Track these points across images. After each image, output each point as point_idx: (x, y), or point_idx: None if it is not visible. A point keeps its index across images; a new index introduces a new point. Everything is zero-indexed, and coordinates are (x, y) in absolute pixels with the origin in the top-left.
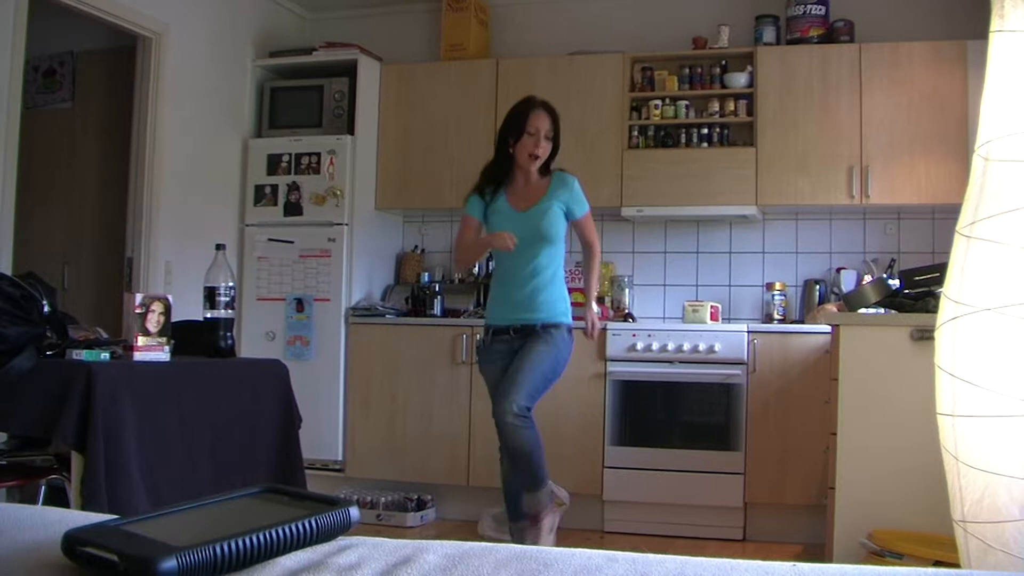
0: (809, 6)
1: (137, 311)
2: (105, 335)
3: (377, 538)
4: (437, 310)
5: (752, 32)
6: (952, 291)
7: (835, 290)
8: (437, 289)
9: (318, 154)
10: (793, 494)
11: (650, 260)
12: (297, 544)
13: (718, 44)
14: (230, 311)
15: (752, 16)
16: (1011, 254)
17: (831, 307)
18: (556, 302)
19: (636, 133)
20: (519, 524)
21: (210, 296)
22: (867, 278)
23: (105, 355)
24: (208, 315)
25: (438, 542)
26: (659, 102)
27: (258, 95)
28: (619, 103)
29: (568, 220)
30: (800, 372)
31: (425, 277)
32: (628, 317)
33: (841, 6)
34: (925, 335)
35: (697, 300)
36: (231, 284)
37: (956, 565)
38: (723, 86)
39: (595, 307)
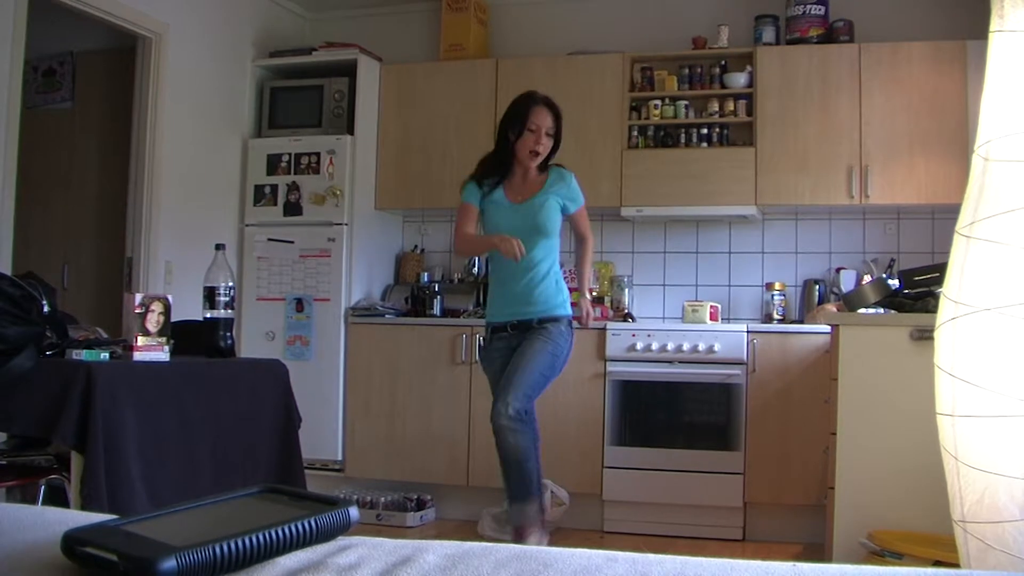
0: (809, 6)
1: (137, 311)
2: (105, 335)
3: (377, 538)
4: (437, 310)
5: (752, 32)
6: (952, 291)
7: (835, 290)
8: (437, 289)
9: (318, 154)
10: (793, 494)
11: (650, 260)
12: (297, 544)
13: (718, 44)
14: (230, 311)
15: (752, 16)
16: (1011, 254)
17: (831, 307)
18: (553, 295)
19: (636, 133)
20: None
21: (210, 296)
22: (867, 278)
23: (105, 355)
24: (208, 315)
25: (438, 542)
26: (659, 102)
27: (258, 95)
28: (619, 103)
29: (564, 215)
30: (800, 372)
31: (425, 277)
32: (628, 317)
33: (841, 6)
34: (925, 335)
35: (697, 300)
36: (231, 284)
37: (956, 565)
38: (723, 86)
39: (588, 295)
